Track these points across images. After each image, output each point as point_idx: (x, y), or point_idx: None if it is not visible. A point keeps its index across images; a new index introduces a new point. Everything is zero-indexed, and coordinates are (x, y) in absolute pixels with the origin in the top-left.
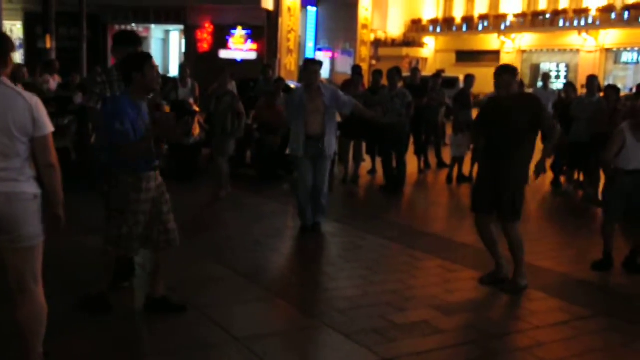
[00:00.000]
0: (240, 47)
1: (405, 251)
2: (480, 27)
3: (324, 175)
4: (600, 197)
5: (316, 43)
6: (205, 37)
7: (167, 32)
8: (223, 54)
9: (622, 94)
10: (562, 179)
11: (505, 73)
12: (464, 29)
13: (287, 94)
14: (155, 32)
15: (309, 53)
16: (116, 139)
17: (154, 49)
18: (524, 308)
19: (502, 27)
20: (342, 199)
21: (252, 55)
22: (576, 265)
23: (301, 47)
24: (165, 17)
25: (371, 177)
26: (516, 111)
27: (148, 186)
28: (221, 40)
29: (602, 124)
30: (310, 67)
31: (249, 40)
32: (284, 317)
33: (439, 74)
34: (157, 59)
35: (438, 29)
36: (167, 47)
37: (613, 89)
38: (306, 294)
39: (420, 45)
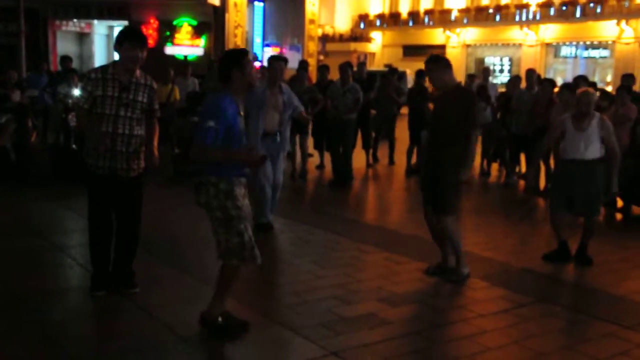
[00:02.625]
0: (186, 43)
1: (352, 245)
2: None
3: (280, 171)
4: (542, 187)
5: (264, 38)
6: (150, 33)
7: (110, 27)
8: (169, 50)
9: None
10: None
11: (434, 68)
12: (410, 23)
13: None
14: (98, 28)
15: (257, 49)
16: (204, 137)
17: (97, 46)
18: (468, 297)
19: (451, 18)
20: (291, 194)
21: (199, 51)
22: (518, 255)
23: (249, 42)
24: (108, 12)
25: (319, 172)
26: (449, 106)
27: (240, 192)
28: (166, 37)
29: (539, 116)
30: (275, 64)
31: (196, 36)
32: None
33: (394, 70)
34: (101, 57)
35: (385, 24)
36: (111, 43)
37: (549, 82)
38: (254, 291)
39: (368, 40)
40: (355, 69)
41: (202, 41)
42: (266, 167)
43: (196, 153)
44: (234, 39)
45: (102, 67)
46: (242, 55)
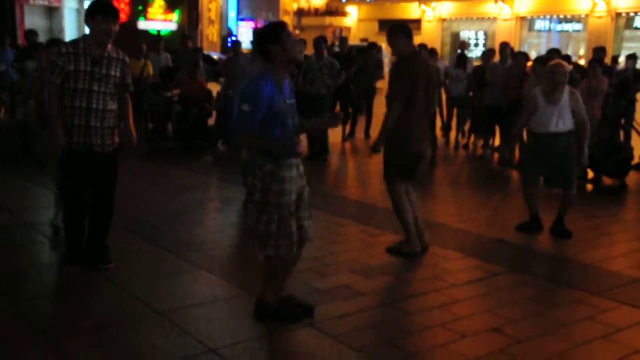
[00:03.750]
0: (159, 18)
1: (328, 218)
2: None
3: None
4: (516, 160)
5: (238, 13)
6: (122, 7)
7: (81, 1)
8: (142, 24)
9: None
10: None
11: (389, 35)
12: None
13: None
14: (68, 2)
15: (231, 23)
16: (239, 121)
17: (68, 20)
18: (442, 268)
19: None
20: None
21: (172, 26)
22: (491, 226)
23: (223, 17)
24: None
25: None
26: (393, 73)
27: (289, 175)
28: (139, 11)
29: (513, 89)
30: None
31: (169, 11)
32: (208, 288)
33: (373, 44)
34: (71, 31)
35: None
36: (82, 18)
37: (523, 55)
38: (229, 264)
39: (344, 14)
40: (336, 42)
41: (175, 16)
42: None
43: (237, 138)
44: (208, 14)
45: (72, 42)
46: (281, 29)
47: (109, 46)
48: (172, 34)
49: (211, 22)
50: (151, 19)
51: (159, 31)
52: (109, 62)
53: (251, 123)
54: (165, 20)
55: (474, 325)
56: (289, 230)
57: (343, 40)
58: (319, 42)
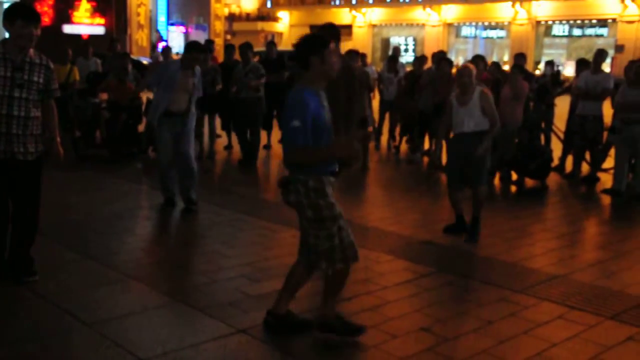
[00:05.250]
0: (85, 22)
1: (260, 224)
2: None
3: (188, 142)
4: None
5: (168, 17)
6: (45, 10)
7: (0, 4)
8: (67, 28)
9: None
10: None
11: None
12: (317, 3)
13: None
14: None
15: (161, 28)
16: (294, 139)
17: None
18: (373, 271)
19: (354, 1)
20: (198, 175)
21: (100, 30)
22: (420, 228)
23: (153, 21)
24: None
25: (227, 153)
26: None
27: (330, 191)
28: (64, 14)
29: (439, 93)
30: (200, 56)
31: (96, 14)
32: (138, 297)
33: None
34: None
35: (292, 4)
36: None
37: (446, 61)
38: (160, 273)
39: (275, 19)
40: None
41: (103, 20)
42: (166, 145)
43: (291, 157)
44: (137, 18)
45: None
46: (324, 42)
47: (31, 51)
48: (100, 38)
49: (140, 26)
50: (77, 23)
51: (86, 36)
52: (31, 67)
53: (304, 138)
54: (91, 24)
55: (404, 326)
56: (349, 239)
57: (270, 45)
58: (244, 48)
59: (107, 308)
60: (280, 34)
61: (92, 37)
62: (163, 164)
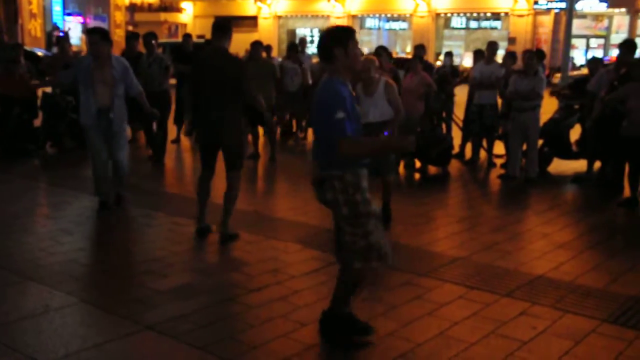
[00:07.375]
0: None
1: (168, 219)
2: None
3: (120, 147)
4: None
5: (64, 7)
6: None
7: None
8: None
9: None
10: None
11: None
12: None
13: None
14: None
15: (57, 18)
16: (343, 130)
17: None
18: (282, 260)
19: None
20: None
21: None
22: (328, 218)
23: (47, 11)
24: None
25: (133, 148)
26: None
27: (366, 185)
28: None
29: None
30: (89, 38)
31: None
32: (38, 299)
33: (209, 41)
34: None
35: None
36: None
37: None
38: (61, 273)
39: (179, 10)
40: (167, 39)
41: None
42: (99, 144)
43: (346, 149)
44: (29, 7)
45: None
46: (349, 35)
47: None
48: None
49: (33, 15)
50: None
51: None
52: None
53: (350, 129)
54: None
55: (313, 314)
56: (384, 238)
57: (187, 37)
58: (148, 38)
59: (4, 311)
60: (184, 25)
61: None
62: (98, 172)
